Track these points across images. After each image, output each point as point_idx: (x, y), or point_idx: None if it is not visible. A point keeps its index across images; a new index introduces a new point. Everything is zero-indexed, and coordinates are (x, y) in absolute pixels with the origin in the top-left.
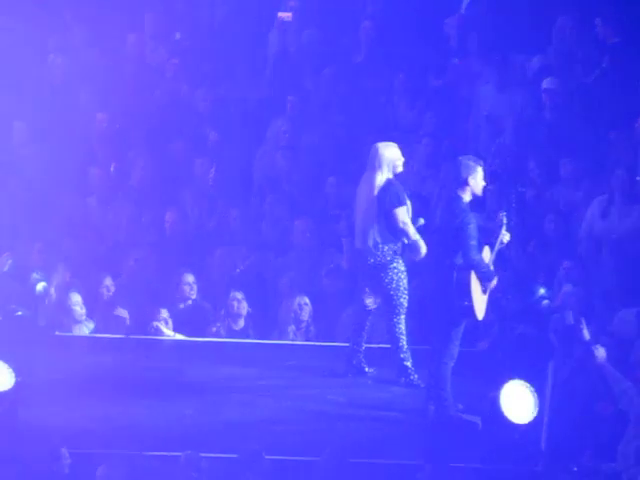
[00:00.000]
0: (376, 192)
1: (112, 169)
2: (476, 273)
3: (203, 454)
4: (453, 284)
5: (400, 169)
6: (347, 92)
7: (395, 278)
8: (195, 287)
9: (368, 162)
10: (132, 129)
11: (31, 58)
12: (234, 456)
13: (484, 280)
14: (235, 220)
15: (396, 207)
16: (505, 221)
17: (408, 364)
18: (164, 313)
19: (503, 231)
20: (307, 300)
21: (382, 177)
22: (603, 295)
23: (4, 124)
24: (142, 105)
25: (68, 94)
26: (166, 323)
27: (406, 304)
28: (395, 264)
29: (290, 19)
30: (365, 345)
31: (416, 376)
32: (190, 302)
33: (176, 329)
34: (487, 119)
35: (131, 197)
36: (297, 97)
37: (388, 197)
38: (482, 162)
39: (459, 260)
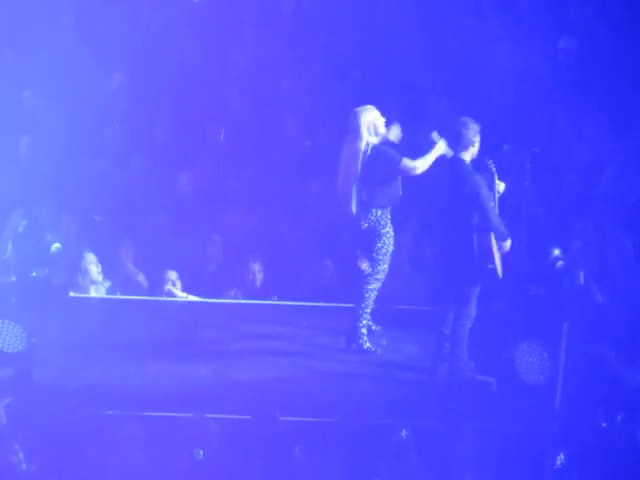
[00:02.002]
0: (360, 157)
1: (121, 128)
2: (495, 234)
3: (217, 415)
4: (474, 247)
5: (382, 129)
6: (363, 52)
7: (387, 243)
8: (217, 251)
9: (350, 128)
10: (147, 91)
11: (43, 18)
12: (247, 417)
13: (501, 240)
14: (251, 181)
15: (398, 164)
16: (494, 169)
17: (364, 331)
18: (172, 275)
19: (496, 180)
20: (328, 261)
21: (363, 141)
22: (618, 255)
23: (16, 86)
24: (156, 68)
25: (83, 54)
26: (173, 284)
27: (387, 271)
28: (388, 229)
29: None
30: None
31: (368, 344)
32: (211, 265)
33: (194, 291)
34: (502, 79)
35: (146, 158)
36: (312, 54)
37: (382, 161)
38: (479, 125)
39: (475, 221)
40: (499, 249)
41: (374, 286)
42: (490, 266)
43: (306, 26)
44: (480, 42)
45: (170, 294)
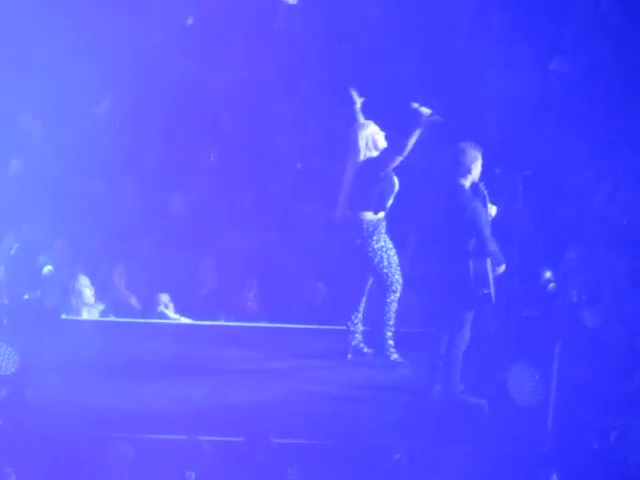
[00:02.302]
0: (354, 169)
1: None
2: (492, 260)
3: (209, 437)
4: (470, 272)
5: (383, 143)
6: (355, 75)
7: (384, 257)
8: (211, 272)
9: (349, 145)
10: (140, 113)
11: (35, 42)
12: (240, 439)
13: (497, 265)
14: (245, 204)
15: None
16: (486, 192)
17: (391, 342)
18: (164, 297)
19: (488, 204)
20: (320, 284)
21: (361, 156)
22: (610, 278)
23: (10, 109)
24: (150, 89)
25: (75, 78)
26: (166, 307)
27: (401, 281)
28: (382, 243)
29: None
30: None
31: (396, 355)
32: (203, 287)
33: (187, 313)
34: (493, 101)
35: (139, 181)
36: (304, 79)
37: (371, 163)
38: (480, 149)
39: (471, 247)
40: (493, 273)
41: (392, 298)
42: (486, 291)
43: (298, 47)
44: (472, 65)
45: (163, 316)
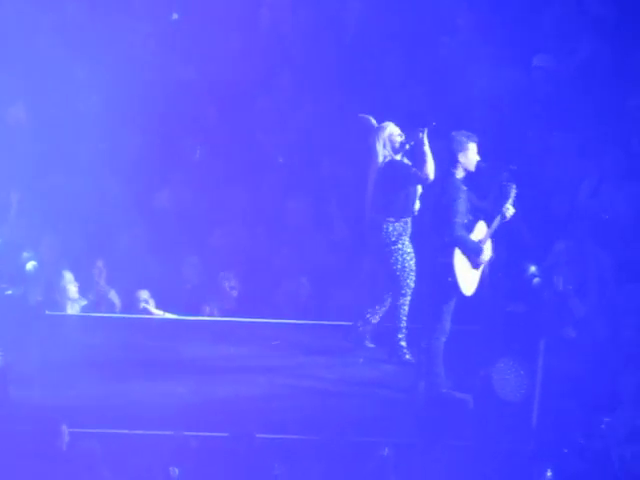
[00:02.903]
0: (375, 174)
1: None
2: (460, 249)
3: (194, 433)
4: (438, 261)
5: (398, 145)
6: (339, 71)
7: (400, 259)
8: (195, 269)
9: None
10: (125, 109)
11: (20, 37)
12: (225, 435)
13: (471, 255)
14: (229, 199)
15: (409, 170)
16: (512, 195)
17: (403, 344)
18: (144, 294)
19: (508, 204)
20: (303, 279)
21: (380, 158)
22: (595, 272)
23: None
24: (134, 85)
25: (61, 73)
26: (147, 303)
27: (412, 285)
28: (400, 245)
29: None
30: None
31: (408, 355)
32: (187, 283)
33: (171, 309)
34: (479, 96)
35: (123, 176)
36: (288, 75)
37: (393, 171)
38: (475, 137)
39: (446, 238)
40: (475, 265)
41: (402, 301)
42: (450, 279)
43: (283, 43)
44: (456, 61)
45: (145, 312)
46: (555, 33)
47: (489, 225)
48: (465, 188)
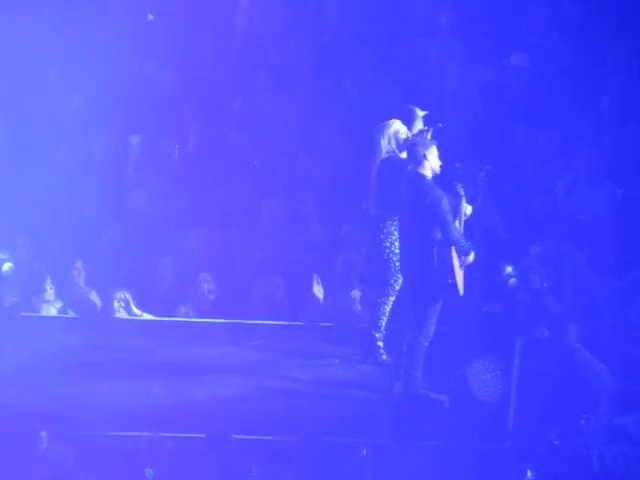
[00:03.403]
0: (376, 168)
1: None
2: (456, 248)
3: (171, 434)
4: (434, 262)
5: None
6: (315, 71)
7: (385, 258)
8: (167, 270)
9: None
10: (101, 110)
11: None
12: (202, 436)
13: (463, 254)
14: (205, 200)
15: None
16: (463, 193)
17: (380, 344)
18: (122, 294)
19: (463, 204)
20: (278, 279)
21: (383, 154)
22: (572, 274)
23: None
24: (110, 86)
25: (36, 75)
26: (126, 303)
27: (397, 287)
28: (388, 244)
29: None
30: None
31: (385, 356)
32: (162, 283)
33: (147, 309)
34: (453, 96)
35: (99, 177)
36: (263, 75)
37: (389, 167)
38: (436, 142)
39: (437, 236)
40: (462, 265)
41: (382, 300)
42: (450, 280)
43: (258, 45)
44: (432, 60)
45: (123, 313)
46: (530, 32)
47: (459, 225)
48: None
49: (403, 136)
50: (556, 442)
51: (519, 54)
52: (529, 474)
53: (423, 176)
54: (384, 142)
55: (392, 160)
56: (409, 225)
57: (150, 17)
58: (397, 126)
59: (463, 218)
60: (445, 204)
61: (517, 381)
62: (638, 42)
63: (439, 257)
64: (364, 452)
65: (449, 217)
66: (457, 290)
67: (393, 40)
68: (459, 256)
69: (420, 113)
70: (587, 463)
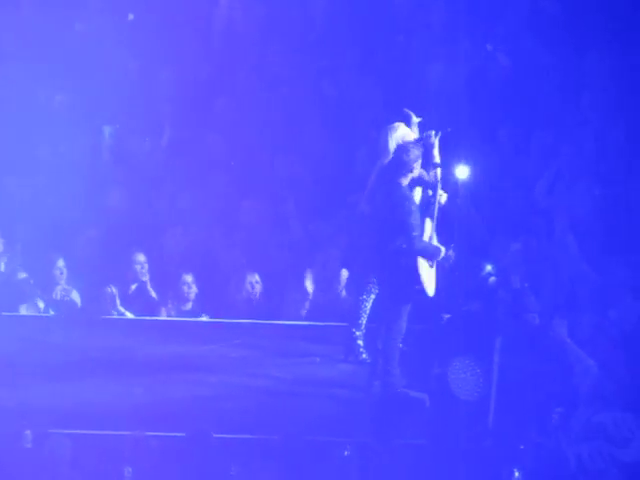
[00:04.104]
0: (380, 169)
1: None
2: (422, 256)
3: (151, 433)
4: (401, 270)
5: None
6: (295, 70)
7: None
8: (146, 267)
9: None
10: (81, 109)
11: None
12: (182, 435)
13: (431, 259)
14: (183, 198)
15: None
16: (439, 178)
17: (360, 342)
18: (113, 290)
19: (439, 191)
20: (258, 278)
21: (391, 154)
22: (553, 270)
23: None
24: (89, 84)
25: (16, 74)
26: (113, 300)
27: (377, 285)
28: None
29: None
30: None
31: (365, 355)
32: (141, 282)
33: (126, 309)
34: (435, 95)
35: (78, 176)
36: (243, 74)
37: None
38: (422, 147)
39: (403, 245)
40: (430, 265)
41: (364, 298)
42: (417, 287)
43: (237, 44)
44: (416, 59)
45: (110, 309)
46: (512, 32)
47: (432, 218)
48: (411, 195)
49: (407, 138)
50: (536, 440)
51: (501, 52)
52: (517, 474)
53: (399, 185)
54: (392, 144)
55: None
56: (380, 230)
57: (130, 16)
58: (405, 130)
59: (437, 206)
60: (414, 218)
61: (497, 379)
62: (619, 39)
63: (405, 266)
64: (346, 452)
65: (416, 232)
66: (425, 294)
67: (374, 39)
68: (429, 259)
69: (415, 119)
70: (565, 461)
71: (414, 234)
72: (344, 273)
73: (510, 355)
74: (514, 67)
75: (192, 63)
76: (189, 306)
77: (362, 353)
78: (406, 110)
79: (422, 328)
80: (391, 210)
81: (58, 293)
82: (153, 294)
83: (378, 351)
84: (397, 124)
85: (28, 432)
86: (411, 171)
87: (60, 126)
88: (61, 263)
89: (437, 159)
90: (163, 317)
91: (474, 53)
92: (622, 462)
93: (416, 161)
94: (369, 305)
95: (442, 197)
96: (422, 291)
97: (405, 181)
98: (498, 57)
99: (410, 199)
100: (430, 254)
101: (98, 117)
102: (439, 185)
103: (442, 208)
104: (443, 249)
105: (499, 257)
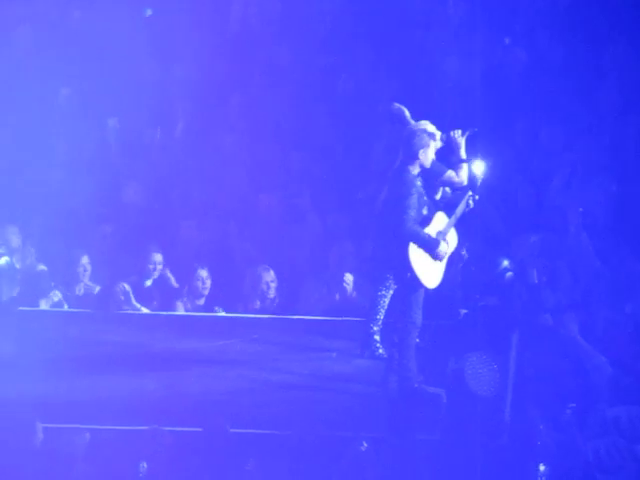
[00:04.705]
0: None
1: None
2: (415, 243)
3: (167, 428)
4: (395, 256)
5: (438, 144)
6: (310, 64)
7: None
8: (161, 266)
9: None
10: (98, 102)
11: None
12: (198, 429)
13: (427, 249)
14: (199, 193)
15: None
16: (465, 178)
17: (377, 338)
18: (123, 287)
19: (469, 192)
20: (272, 274)
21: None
22: (569, 266)
23: None
24: (104, 78)
25: (34, 66)
26: (127, 296)
27: (393, 279)
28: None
29: None
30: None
31: (382, 350)
32: (156, 278)
33: (142, 304)
34: (451, 89)
35: (94, 170)
36: (259, 69)
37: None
38: (440, 133)
39: (396, 230)
40: (436, 258)
41: (381, 293)
42: (409, 274)
43: (253, 39)
44: (429, 53)
45: (123, 305)
46: (529, 27)
47: (449, 215)
48: (420, 184)
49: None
50: (553, 436)
51: (517, 48)
52: (533, 470)
53: (406, 171)
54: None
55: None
56: (383, 218)
57: (149, 12)
58: (428, 127)
59: (463, 207)
60: (412, 200)
61: (514, 374)
62: (636, 33)
63: (397, 252)
64: (362, 447)
65: (411, 212)
66: (420, 283)
67: (389, 34)
68: (427, 251)
69: (430, 128)
70: (582, 457)
71: (405, 215)
72: (361, 268)
73: (527, 351)
74: (531, 61)
75: (207, 56)
76: (203, 302)
77: (379, 348)
78: (397, 105)
79: (439, 324)
80: (392, 194)
81: (82, 289)
82: (172, 283)
83: (394, 346)
84: (423, 121)
85: (42, 426)
86: (417, 157)
87: (75, 120)
88: (85, 260)
89: (464, 156)
90: (180, 312)
91: (490, 47)
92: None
93: (423, 147)
94: (387, 300)
95: (471, 200)
96: (415, 279)
97: (414, 168)
98: (515, 51)
99: (412, 185)
100: (423, 243)
101: (112, 111)
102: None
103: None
104: (444, 245)
105: (516, 252)
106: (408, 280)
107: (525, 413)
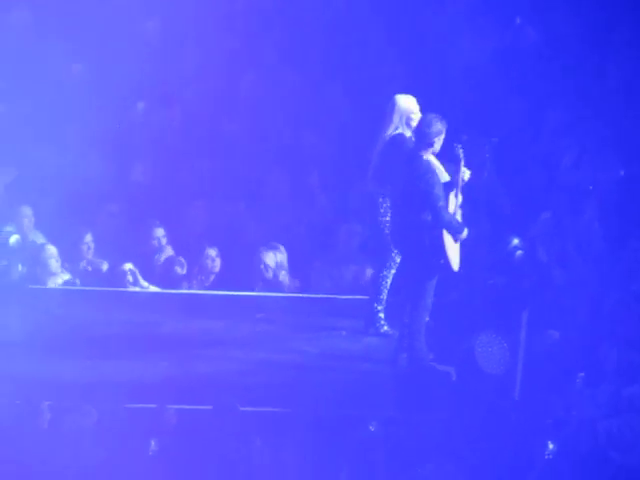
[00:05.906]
0: (382, 143)
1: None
2: (447, 230)
3: (177, 406)
4: (426, 243)
5: (415, 123)
6: (324, 45)
7: (387, 231)
8: (165, 240)
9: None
10: (106, 84)
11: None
12: (208, 408)
13: (455, 234)
14: (207, 173)
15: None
16: (462, 156)
17: (381, 315)
18: (129, 266)
19: (462, 168)
20: (282, 249)
21: (392, 128)
22: (578, 246)
23: None
24: (115, 60)
25: (42, 48)
26: (133, 275)
27: (398, 259)
28: (388, 217)
29: None
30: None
31: (386, 327)
32: (163, 255)
33: (150, 283)
34: (460, 70)
35: (102, 150)
36: (269, 49)
37: (397, 147)
38: (445, 122)
39: (427, 217)
40: (455, 241)
41: (385, 273)
42: (442, 261)
43: (265, 20)
44: (440, 33)
45: (130, 285)
46: (538, 6)
47: (456, 194)
48: (434, 168)
49: (414, 116)
50: (563, 414)
51: (527, 28)
52: (544, 448)
53: (420, 158)
54: (396, 117)
55: (400, 138)
56: (403, 204)
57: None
58: (411, 105)
59: (461, 183)
60: (438, 190)
61: (524, 353)
62: None
63: (430, 240)
64: (371, 426)
65: (441, 203)
66: (450, 268)
67: (400, 14)
68: (453, 235)
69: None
70: (594, 435)
71: (440, 204)
72: (368, 246)
73: (536, 329)
74: (542, 40)
75: (218, 35)
76: (211, 281)
77: (383, 325)
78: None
79: (448, 301)
80: (414, 183)
81: (88, 267)
82: (178, 269)
83: (404, 325)
84: (404, 97)
85: (49, 405)
86: (432, 145)
87: (83, 100)
88: (89, 238)
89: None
90: (188, 290)
91: (497, 28)
92: None
93: (437, 135)
94: (389, 280)
95: (465, 174)
96: (447, 265)
97: (426, 154)
98: (526, 30)
99: (434, 172)
100: (455, 229)
101: (121, 91)
102: (462, 162)
103: (468, 185)
104: (466, 229)
105: (526, 231)
106: (437, 266)
107: (535, 391)
